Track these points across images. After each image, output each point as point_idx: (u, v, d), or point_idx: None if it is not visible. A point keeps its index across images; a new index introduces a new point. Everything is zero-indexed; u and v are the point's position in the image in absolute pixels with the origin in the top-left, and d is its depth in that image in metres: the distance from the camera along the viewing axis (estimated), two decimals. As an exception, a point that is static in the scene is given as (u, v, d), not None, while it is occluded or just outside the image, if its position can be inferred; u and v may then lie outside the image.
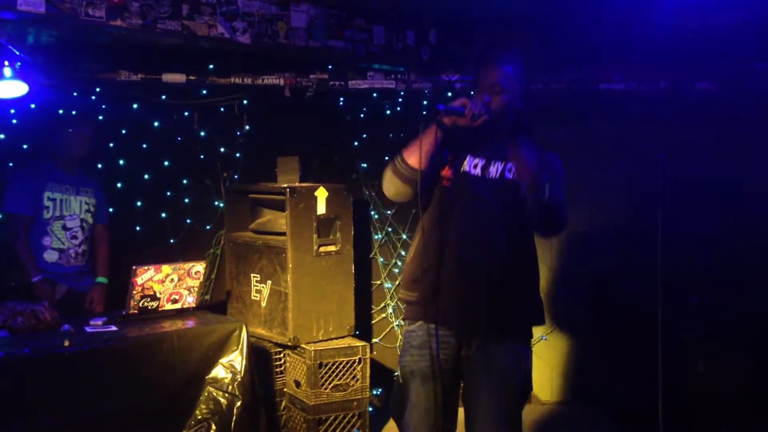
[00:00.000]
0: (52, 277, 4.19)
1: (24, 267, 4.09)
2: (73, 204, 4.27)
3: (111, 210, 4.51)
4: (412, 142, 2.72)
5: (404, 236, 4.99)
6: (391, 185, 2.77)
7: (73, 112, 4.50)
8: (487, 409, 2.74)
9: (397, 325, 5.17)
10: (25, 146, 4.45)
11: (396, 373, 2.91)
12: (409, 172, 2.71)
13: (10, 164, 4.40)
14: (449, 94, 4.91)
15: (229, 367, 3.74)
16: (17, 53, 3.75)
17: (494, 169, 2.82)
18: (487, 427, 2.75)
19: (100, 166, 4.61)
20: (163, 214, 4.78)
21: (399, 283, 2.94)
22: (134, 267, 3.82)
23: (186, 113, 4.79)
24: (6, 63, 3.78)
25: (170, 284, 3.92)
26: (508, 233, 2.78)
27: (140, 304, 3.85)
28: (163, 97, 4.63)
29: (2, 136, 4.40)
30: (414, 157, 2.69)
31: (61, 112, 4.48)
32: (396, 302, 5.13)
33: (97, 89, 4.48)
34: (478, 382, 2.78)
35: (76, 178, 4.29)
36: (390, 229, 5.20)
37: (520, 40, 4.71)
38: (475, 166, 2.81)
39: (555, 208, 2.74)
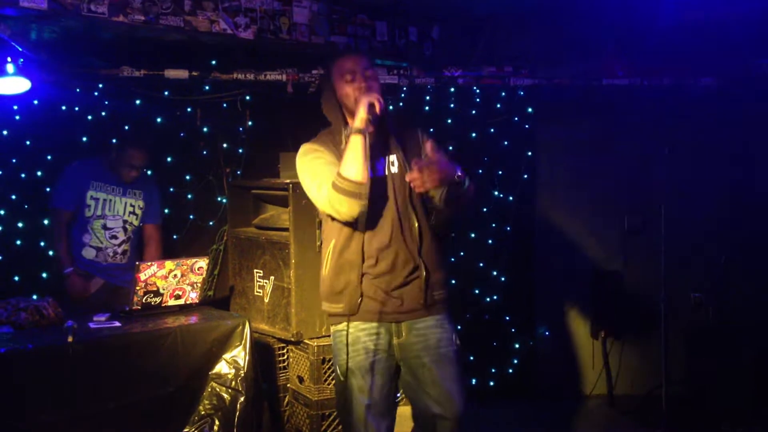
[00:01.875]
0: (88, 270, 4.25)
1: (60, 260, 4.16)
2: (117, 205, 4.33)
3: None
4: (344, 158, 2.73)
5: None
6: (347, 207, 2.73)
7: (126, 127, 4.58)
8: (435, 381, 2.86)
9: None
10: (28, 142, 4.45)
11: (335, 373, 2.97)
12: (359, 188, 2.71)
13: (13, 160, 4.41)
14: (452, 89, 4.90)
15: (233, 362, 3.74)
16: (20, 49, 3.75)
17: (379, 168, 2.88)
18: (443, 400, 2.86)
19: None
20: (166, 210, 4.78)
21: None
22: (137, 263, 3.82)
23: (189, 109, 4.79)
24: (8, 59, 3.79)
25: (173, 280, 3.93)
26: (413, 225, 2.87)
27: (143, 300, 3.85)
28: (166, 93, 4.63)
29: (5, 133, 4.41)
30: (355, 171, 2.70)
31: (63, 108, 4.49)
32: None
33: (100, 85, 4.49)
34: (419, 361, 2.87)
35: (125, 181, 4.34)
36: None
37: (523, 34, 4.74)
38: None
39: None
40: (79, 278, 4.21)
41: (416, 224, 2.87)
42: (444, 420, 2.88)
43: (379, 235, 2.85)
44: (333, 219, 2.88)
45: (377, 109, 2.73)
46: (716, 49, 4.59)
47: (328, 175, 2.78)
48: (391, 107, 3.00)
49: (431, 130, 4.92)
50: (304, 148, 2.96)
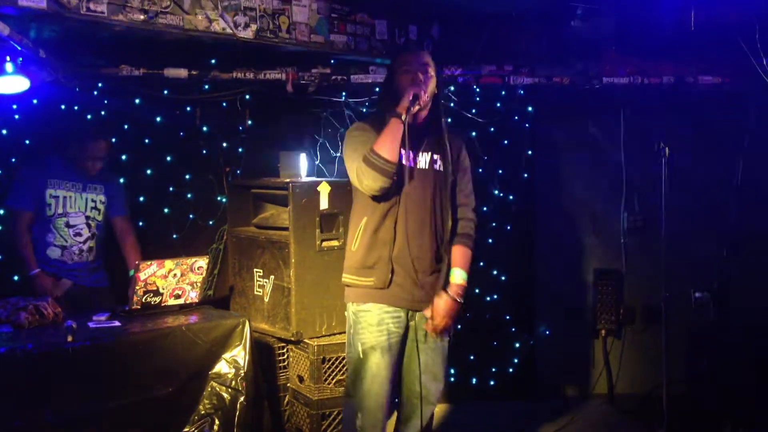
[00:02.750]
0: (55, 271, 4.19)
1: (24, 261, 4.11)
2: (78, 201, 4.28)
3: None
4: (380, 137, 2.98)
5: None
6: (371, 179, 2.98)
7: (89, 117, 4.53)
8: (427, 367, 3.17)
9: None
10: (27, 141, 4.45)
11: (352, 350, 3.20)
12: (385, 165, 2.95)
13: (12, 159, 4.40)
14: (452, 88, 4.89)
15: (233, 362, 3.74)
16: (19, 48, 3.74)
17: (423, 160, 3.15)
18: (428, 384, 3.19)
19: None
20: (166, 210, 4.78)
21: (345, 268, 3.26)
22: (137, 262, 3.82)
23: (188, 108, 4.78)
24: (8, 58, 3.78)
25: (173, 279, 3.92)
26: (442, 220, 3.16)
27: (143, 300, 3.85)
28: (165, 92, 4.62)
29: (5, 132, 4.40)
30: (386, 150, 2.95)
31: (63, 107, 4.49)
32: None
33: (99, 84, 4.48)
34: (419, 346, 3.16)
35: (84, 176, 4.30)
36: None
37: (523, 33, 4.74)
38: (407, 158, 3.06)
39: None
40: (47, 278, 4.13)
41: (449, 222, 3.15)
42: (426, 404, 3.19)
43: (414, 221, 3.08)
44: (364, 197, 3.11)
45: (420, 100, 2.99)
46: (717, 47, 4.58)
47: (363, 150, 3.02)
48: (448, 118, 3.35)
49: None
50: (354, 125, 3.28)
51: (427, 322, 3.14)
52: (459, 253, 3.22)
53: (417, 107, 3.02)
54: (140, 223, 4.71)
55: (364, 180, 3.00)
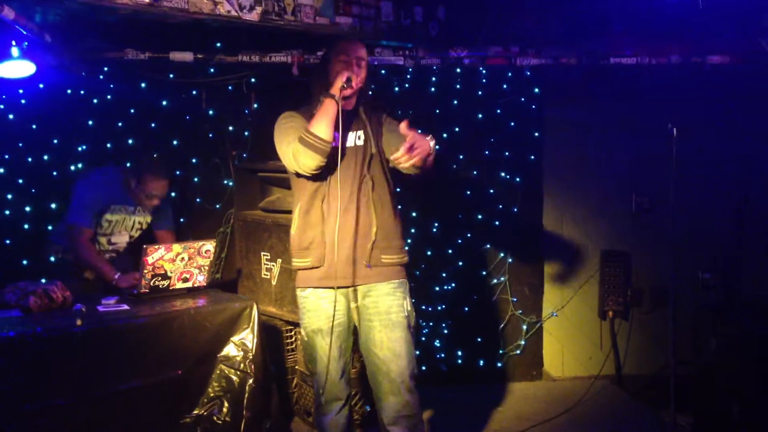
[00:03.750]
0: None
1: (101, 272, 4.11)
2: (127, 222, 4.34)
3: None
4: (315, 117, 3.06)
5: (414, 214, 4.98)
6: (308, 158, 3.03)
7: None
8: (383, 344, 3.16)
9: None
10: (34, 126, 4.45)
11: (301, 333, 3.35)
12: (321, 143, 3.02)
13: (20, 144, 4.41)
14: (458, 70, 4.87)
15: (241, 345, 3.75)
16: (24, 33, 3.73)
17: (350, 139, 3.21)
18: (389, 360, 3.15)
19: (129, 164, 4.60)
20: (173, 194, 4.78)
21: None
22: (144, 246, 3.83)
23: (194, 92, 4.78)
24: (13, 43, 3.77)
25: (181, 263, 3.93)
26: (369, 190, 3.19)
27: (151, 283, 3.86)
28: (171, 75, 4.62)
29: (11, 117, 4.40)
30: (322, 129, 3.02)
31: (69, 92, 4.48)
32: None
33: (105, 68, 4.47)
34: (371, 324, 3.19)
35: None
36: (400, 207, 5.17)
37: (530, 13, 4.70)
38: (337, 139, 3.10)
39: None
40: (128, 276, 4.11)
41: (371, 192, 3.19)
42: (390, 381, 3.16)
43: (342, 197, 3.12)
44: (299, 177, 3.19)
45: (353, 82, 3.09)
46: (725, 26, 4.54)
47: (296, 134, 3.10)
48: (370, 93, 3.39)
49: (437, 111, 4.98)
50: (282, 115, 3.31)
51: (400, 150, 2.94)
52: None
53: (350, 90, 3.10)
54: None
55: (301, 158, 3.05)
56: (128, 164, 4.52)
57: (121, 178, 4.25)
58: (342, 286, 3.18)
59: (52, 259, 4.28)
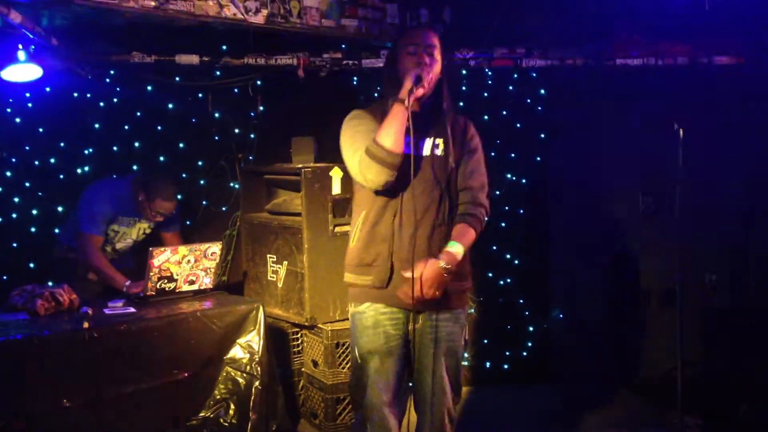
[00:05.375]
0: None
1: (111, 280, 4.10)
2: (132, 231, 4.35)
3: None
4: (383, 125, 2.73)
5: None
6: (375, 173, 2.74)
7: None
8: (436, 372, 2.90)
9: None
10: (41, 129, 4.46)
11: (352, 355, 3.01)
12: (390, 156, 2.71)
13: (27, 147, 4.42)
14: (464, 71, 4.87)
15: (247, 347, 3.76)
16: (31, 36, 3.75)
17: (426, 147, 2.87)
18: (438, 391, 2.91)
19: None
20: (179, 196, 4.78)
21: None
22: (151, 249, 3.83)
23: (200, 95, 4.79)
24: (20, 46, 3.79)
25: (187, 265, 3.94)
26: (446, 209, 2.88)
27: (158, 286, 3.87)
28: (177, 78, 4.62)
29: (18, 120, 4.42)
30: (390, 139, 2.71)
31: (75, 95, 4.50)
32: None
33: (111, 72, 4.49)
34: (427, 351, 2.91)
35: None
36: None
37: (535, 15, 4.69)
38: (410, 146, 2.77)
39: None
40: (138, 283, 4.04)
41: (447, 212, 2.87)
42: (433, 414, 2.94)
43: (417, 213, 2.82)
44: (364, 188, 2.89)
45: (424, 82, 2.74)
46: (732, 27, 4.52)
47: (364, 141, 2.78)
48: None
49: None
50: (351, 114, 2.97)
51: (402, 288, 2.76)
52: (457, 229, 2.88)
53: (422, 90, 2.76)
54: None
55: (368, 174, 2.75)
56: (137, 171, 4.50)
57: (130, 190, 4.24)
58: (406, 307, 2.85)
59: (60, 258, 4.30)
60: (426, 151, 2.88)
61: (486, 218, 2.99)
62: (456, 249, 2.80)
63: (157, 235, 4.47)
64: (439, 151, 2.89)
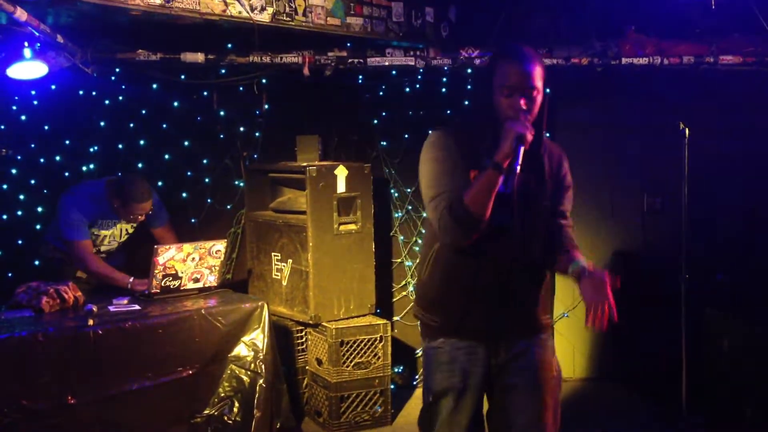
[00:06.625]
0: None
1: (114, 280, 4.08)
2: (114, 232, 4.31)
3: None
4: (473, 188, 2.40)
5: (424, 214, 4.97)
6: (457, 236, 2.45)
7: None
8: (527, 409, 2.56)
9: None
10: (46, 127, 4.47)
11: (424, 393, 2.70)
12: (475, 222, 2.40)
13: (32, 145, 4.43)
14: (469, 70, 4.86)
15: (251, 345, 3.76)
16: (36, 34, 3.75)
17: (513, 182, 2.50)
18: (528, 429, 2.56)
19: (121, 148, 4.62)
20: (184, 194, 4.79)
21: (415, 299, 2.78)
22: (155, 246, 3.84)
23: (205, 93, 4.79)
24: (25, 44, 3.79)
25: (191, 263, 3.94)
26: (531, 241, 2.60)
27: (162, 283, 3.88)
28: (183, 76, 4.63)
29: (24, 118, 4.43)
30: (479, 206, 2.38)
31: (81, 93, 4.51)
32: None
33: (117, 69, 4.49)
34: (513, 384, 2.58)
35: None
36: (410, 207, 5.18)
37: (541, 13, 4.68)
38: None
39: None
40: (143, 280, 4.04)
41: (535, 254, 2.61)
42: None
43: (501, 252, 2.52)
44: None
45: (526, 143, 2.38)
46: (738, 26, 4.51)
47: (447, 184, 2.47)
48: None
49: (448, 111, 4.97)
50: (434, 137, 2.57)
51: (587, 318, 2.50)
52: (575, 253, 2.69)
53: (521, 149, 2.37)
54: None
55: (448, 235, 2.45)
56: (110, 177, 4.36)
57: (106, 193, 4.15)
58: (484, 338, 2.57)
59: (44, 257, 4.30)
60: (518, 186, 2.50)
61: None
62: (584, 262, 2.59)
63: (146, 232, 4.41)
64: (532, 187, 2.57)
